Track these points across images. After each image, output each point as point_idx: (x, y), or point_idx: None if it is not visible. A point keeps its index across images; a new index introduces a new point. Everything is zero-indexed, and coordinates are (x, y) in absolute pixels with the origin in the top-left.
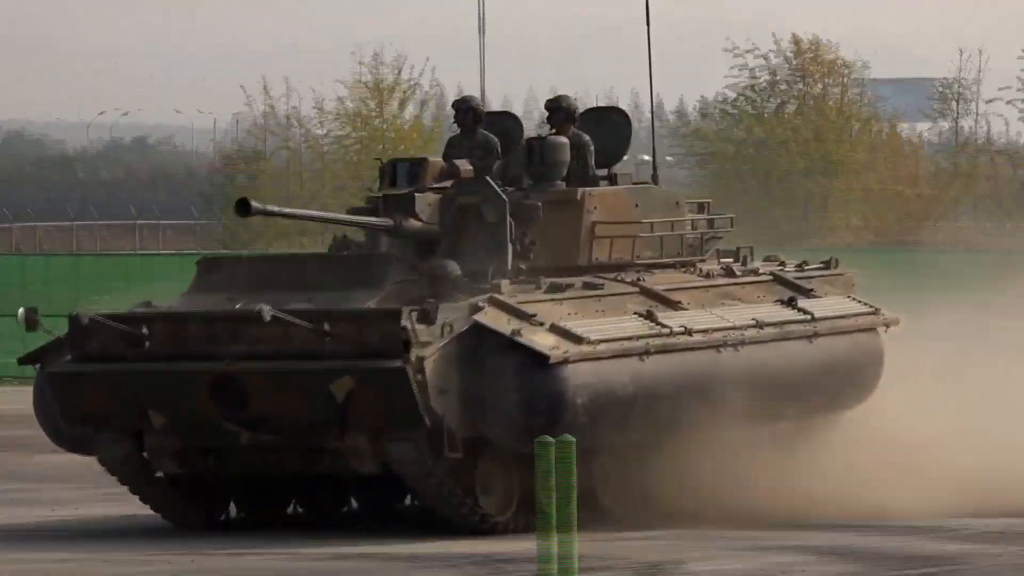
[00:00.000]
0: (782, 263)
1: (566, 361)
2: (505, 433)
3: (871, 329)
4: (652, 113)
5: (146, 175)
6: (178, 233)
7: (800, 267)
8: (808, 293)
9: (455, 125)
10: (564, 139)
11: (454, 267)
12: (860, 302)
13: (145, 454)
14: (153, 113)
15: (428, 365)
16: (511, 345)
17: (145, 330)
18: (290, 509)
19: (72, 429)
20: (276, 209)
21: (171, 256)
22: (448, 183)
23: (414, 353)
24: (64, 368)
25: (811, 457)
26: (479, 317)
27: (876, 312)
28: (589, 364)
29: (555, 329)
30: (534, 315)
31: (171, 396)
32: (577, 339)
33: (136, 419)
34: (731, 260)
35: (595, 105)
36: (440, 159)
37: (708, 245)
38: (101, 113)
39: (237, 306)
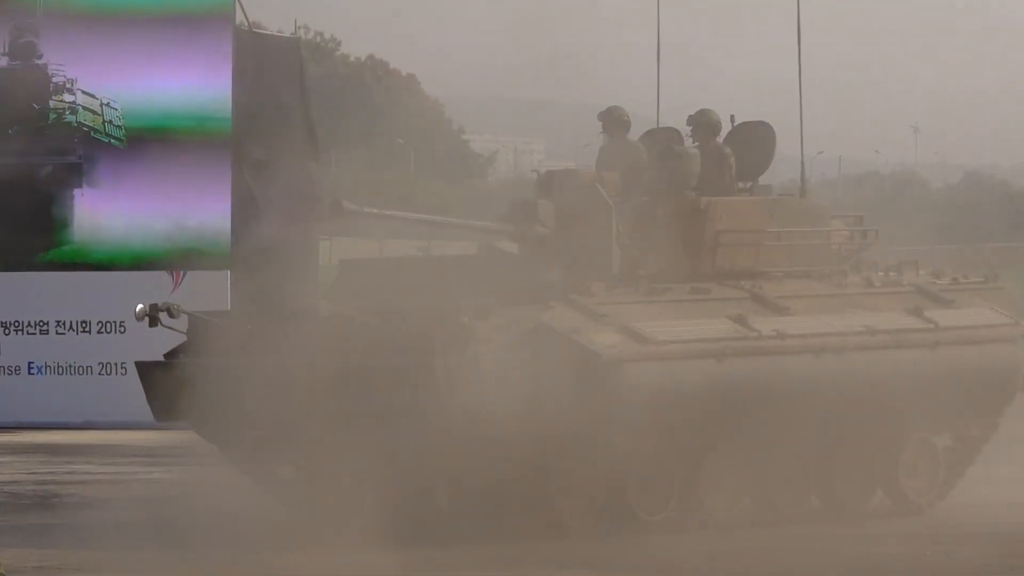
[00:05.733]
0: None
1: (623, 360)
2: (563, 432)
3: (1008, 341)
4: (801, 130)
5: None
6: None
7: (956, 280)
8: (947, 304)
9: (603, 135)
10: (694, 151)
11: (552, 271)
12: (1000, 313)
13: None
14: None
15: (485, 362)
16: (568, 343)
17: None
18: None
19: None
20: (391, 212)
21: None
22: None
23: (472, 350)
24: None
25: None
26: (544, 316)
27: (1015, 323)
28: (653, 364)
29: (623, 329)
30: (605, 315)
31: None
32: (642, 339)
33: None
34: (887, 272)
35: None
36: (591, 171)
37: (855, 257)
38: None
39: None
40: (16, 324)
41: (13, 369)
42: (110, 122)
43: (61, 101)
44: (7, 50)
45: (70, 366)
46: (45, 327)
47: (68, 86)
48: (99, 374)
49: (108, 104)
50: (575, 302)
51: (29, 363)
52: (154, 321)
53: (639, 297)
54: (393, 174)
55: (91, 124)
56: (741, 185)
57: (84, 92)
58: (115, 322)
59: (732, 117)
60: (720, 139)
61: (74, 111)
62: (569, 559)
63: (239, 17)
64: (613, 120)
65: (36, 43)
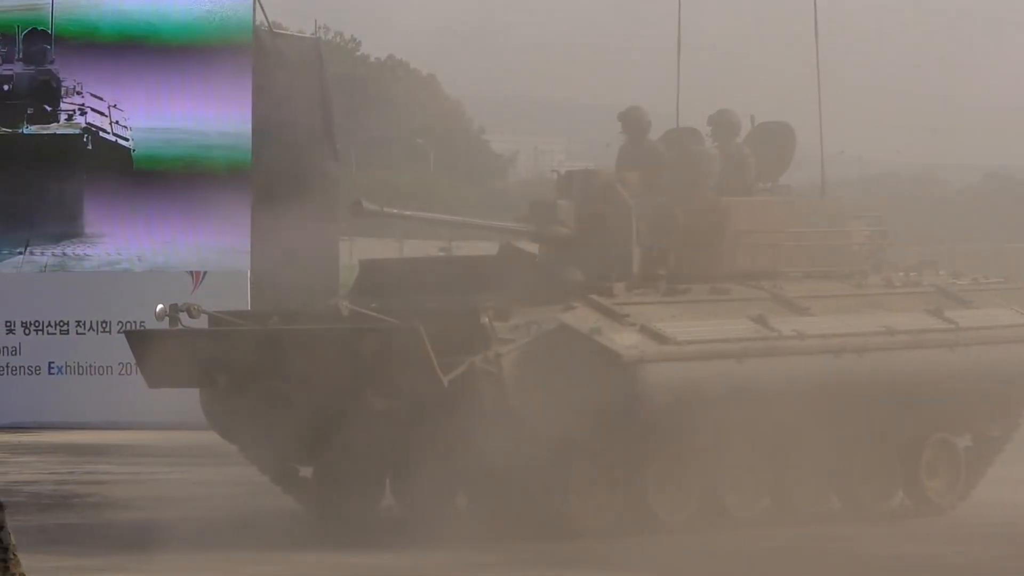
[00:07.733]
0: (970, 277)
1: (643, 360)
2: (584, 433)
3: None
4: (820, 131)
5: None
6: None
7: (976, 280)
8: (967, 304)
9: (623, 135)
10: (714, 151)
11: (573, 271)
12: (1020, 313)
13: None
14: None
15: (506, 362)
16: (588, 343)
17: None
18: None
19: None
20: (407, 212)
21: None
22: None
23: (493, 350)
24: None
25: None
26: (564, 316)
27: None
28: (673, 364)
29: (644, 330)
30: (626, 315)
31: None
32: (663, 339)
33: None
34: (909, 272)
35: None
36: (611, 171)
37: (875, 257)
38: None
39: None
40: (36, 324)
41: (33, 369)
42: (117, 122)
43: (71, 103)
44: (20, 55)
45: (90, 366)
46: (65, 327)
47: (78, 89)
48: (119, 374)
49: (115, 106)
50: (595, 302)
51: (49, 363)
52: (174, 321)
53: (659, 297)
54: (413, 174)
55: (99, 124)
56: (761, 185)
57: (92, 94)
58: (135, 322)
59: (752, 117)
60: (740, 139)
61: (83, 112)
62: (588, 559)
63: (259, 17)
64: (633, 120)
65: (48, 49)
